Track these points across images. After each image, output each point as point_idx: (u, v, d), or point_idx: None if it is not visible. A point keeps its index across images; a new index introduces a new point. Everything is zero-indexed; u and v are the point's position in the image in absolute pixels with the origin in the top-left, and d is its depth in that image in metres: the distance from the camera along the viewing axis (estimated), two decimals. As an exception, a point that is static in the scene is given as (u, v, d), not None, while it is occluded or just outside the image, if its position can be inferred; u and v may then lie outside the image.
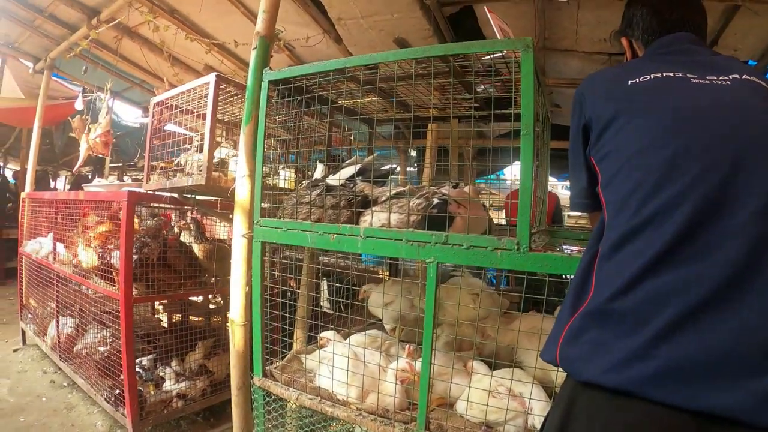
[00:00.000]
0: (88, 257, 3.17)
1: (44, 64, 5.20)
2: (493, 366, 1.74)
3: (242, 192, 2.11)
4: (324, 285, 3.29)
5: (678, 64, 1.12)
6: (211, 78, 2.46)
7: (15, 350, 4.60)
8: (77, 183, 7.34)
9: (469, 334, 1.99)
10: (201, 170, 2.38)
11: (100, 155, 4.61)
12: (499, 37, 1.88)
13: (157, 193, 2.86)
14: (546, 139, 2.32)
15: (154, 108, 2.87)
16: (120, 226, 2.69)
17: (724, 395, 0.81)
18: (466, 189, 2.11)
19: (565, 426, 0.98)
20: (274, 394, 2.07)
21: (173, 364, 3.30)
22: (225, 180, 2.51)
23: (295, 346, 2.58)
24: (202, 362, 3.36)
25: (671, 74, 1.09)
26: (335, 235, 1.75)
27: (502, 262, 1.47)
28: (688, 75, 1.08)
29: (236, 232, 2.12)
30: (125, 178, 9.68)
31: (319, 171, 2.21)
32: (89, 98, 4.77)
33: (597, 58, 3.68)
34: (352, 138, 3.05)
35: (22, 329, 4.74)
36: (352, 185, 1.93)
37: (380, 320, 2.35)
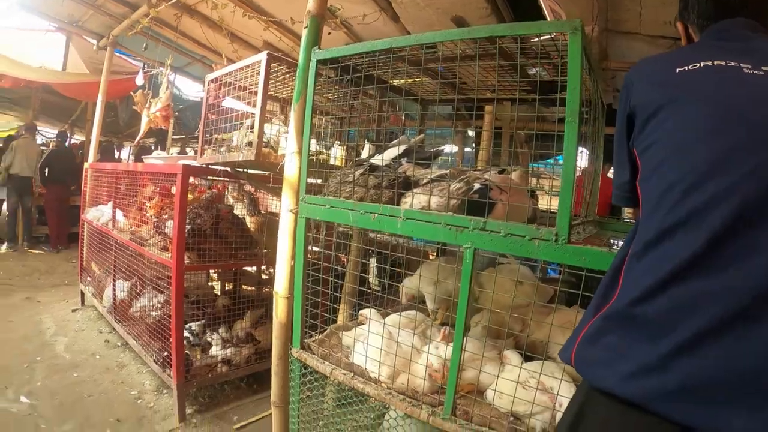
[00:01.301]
0: (144, 226, 3.34)
1: (107, 41, 5.43)
2: (526, 357, 1.73)
3: (291, 168, 2.16)
4: (373, 262, 3.32)
5: (732, 52, 1.01)
6: (262, 56, 2.50)
7: (74, 310, 4.92)
8: (140, 154, 7.67)
9: (508, 323, 1.98)
10: (251, 146, 2.44)
11: (161, 128, 4.78)
12: (549, 18, 1.82)
13: (210, 166, 2.96)
14: (599, 126, 2.25)
15: (208, 85, 2.95)
16: (174, 197, 2.81)
17: (744, 419, 0.76)
18: (514, 175, 2.08)
19: (575, 430, 0.96)
20: (310, 367, 2.13)
21: (221, 330, 3.44)
22: (275, 156, 2.58)
23: (339, 322, 2.65)
24: (249, 330, 3.49)
25: (723, 63, 0.99)
26: (376, 215, 1.77)
27: (539, 253, 1.44)
28: (741, 65, 0.97)
29: (284, 208, 2.18)
30: (187, 149, 10.08)
31: (367, 150, 2.23)
32: (150, 73, 4.96)
33: (662, 43, 3.50)
34: (403, 118, 3.03)
35: (81, 291, 5.06)
36: (396, 166, 1.94)
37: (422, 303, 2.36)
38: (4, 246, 7.28)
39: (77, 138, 11.17)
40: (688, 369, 0.80)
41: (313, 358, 2.10)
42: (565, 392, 1.53)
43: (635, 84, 1.11)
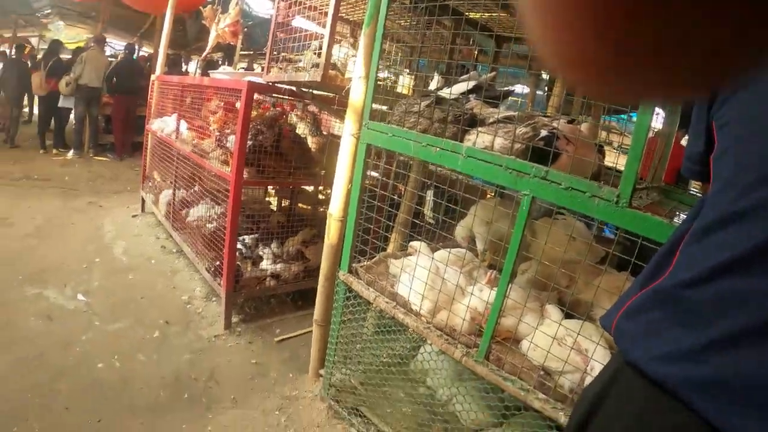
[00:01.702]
0: (207, 139, 3.43)
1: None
2: (567, 315, 1.71)
3: (356, 93, 2.15)
4: (429, 195, 3.30)
5: None
6: (334, -25, 2.43)
7: (134, 216, 5.20)
8: (207, 68, 7.79)
9: (556, 277, 1.96)
10: (318, 68, 2.42)
11: (229, 44, 4.80)
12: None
13: (276, 84, 2.96)
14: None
15: (278, 3, 2.91)
16: (238, 112, 2.85)
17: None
18: (583, 126, 1.99)
19: (601, 398, 0.93)
20: (354, 291, 2.19)
21: (273, 246, 3.58)
22: (341, 79, 2.55)
23: (389, 250, 2.69)
24: (300, 248, 3.60)
25: None
26: (438, 149, 1.75)
27: (597, 212, 1.39)
28: None
29: (346, 131, 2.19)
30: (255, 66, 10.13)
31: (435, 82, 2.17)
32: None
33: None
34: (476, 52, 2.92)
35: (142, 198, 5.32)
36: (464, 101, 1.88)
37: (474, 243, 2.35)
38: (71, 153, 7.69)
39: (145, 50, 11.41)
40: (724, 364, 0.76)
41: (359, 283, 2.15)
42: (599, 357, 1.51)
43: None
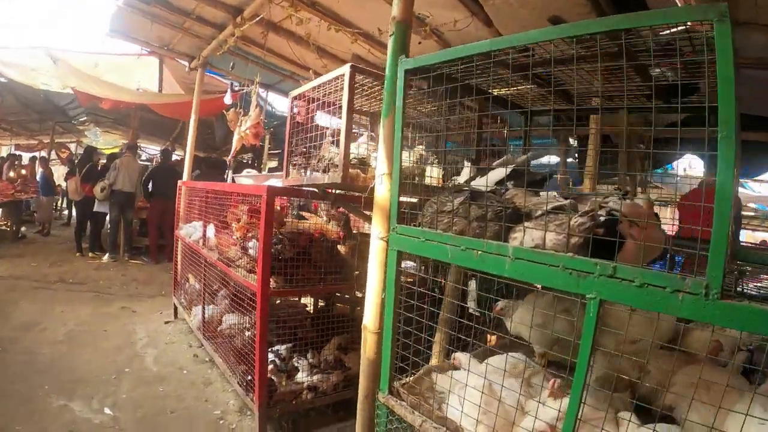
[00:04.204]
0: (233, 247, 3.31)
1: (197, 62, 5.67)
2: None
3: (381, 191, 1.98)
4: (473, 287, 2.98)
5: None
6: (345, 69, 2.34)
7: (167, 322, 5.08)
8: (237, 170, 7.95)
9: (627, 369, 1.66)
10: (337, 167, 2.28)
11: (253, 144, 4.85)
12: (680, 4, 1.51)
13: (298, 187, 2.85)
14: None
15: (292, 102, 2.86)
16: (260, 218, 2.72)
17: None
18: (639, 200, 1.75)
19: None
20: (397, 414, 1.91)
21: (309, 355, 3.33)
22: (364, 179, 2.40)
23: (433, 358, 2.41)
24: (338, 355, 3.34)
25: None
26: (480, 252, 1.52)
27: (683, 310, 1.13)
28: None
29: (374, 234, 1.99)
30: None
31: (467, 172, 1.98)
32: (241, 92, 5.06)
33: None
34: (506, 131, 2.76)
35: (174, 304, 5.22)
36: (502, 191, 1.67)
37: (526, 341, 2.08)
38: (106, 256, 7.81)
39: (178, 154, 11.92)
40: None
41: (402, 405, 1.87)
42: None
43: None
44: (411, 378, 2.03)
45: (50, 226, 10.11)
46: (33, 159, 12.09)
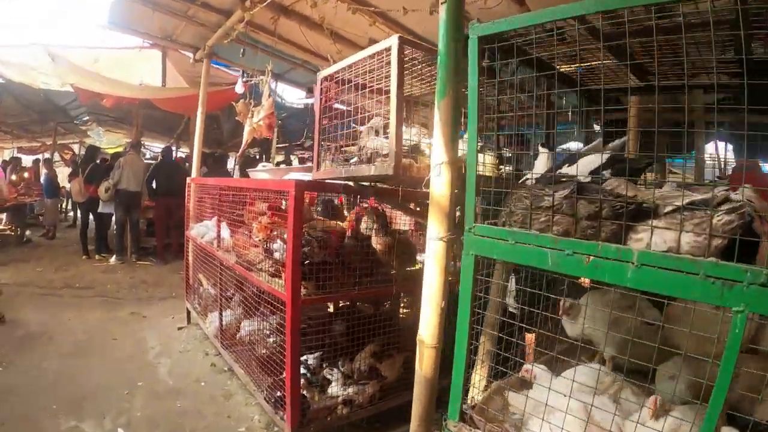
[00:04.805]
0: (252, 248, 3.00)
1: (203, 52, 5.33)
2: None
3: (439, 184, 1.66)
4: (512, 283, 2.60)
5: None
6: (393, 41, 2.01)
7: (179, 328, 4.79)
8: (245, 166, 7.66)
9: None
10: (386, 156, 1.94)
11: (264, 138, 4.56)
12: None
13: (329, 181, 2.53)
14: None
15: (321, 83, 2.51)
16: (287, 218, 2.40)
17: None
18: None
19: None
20: (471, 443, 1.61)
21: (341, 364, 3.02)
22: (417, 168, 2.06)
23: (478, 367, 2.10)
24: (372, 364, 3.01)
25: None
26: (591, 258, 1.21)
27: None
28: None
29: (431, 235, 1.68)
30: (292, 157, 10.04)
31: (542, 161, 1.66)
32: (251, 82, 4.76)
33: None
34: (570, 114, 2.43)
35: (187, 309, 4.93)
36: (602, 183, 1.36)
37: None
38: (114, 258, 7.56)
39: (182, 151, 11.62)
40: None
41: (478, 435, 1.57)
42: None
43: None
44: (480, 397, 1.74)
45: (56, 229, 9.88)
46: (36, 161, 11.93)
